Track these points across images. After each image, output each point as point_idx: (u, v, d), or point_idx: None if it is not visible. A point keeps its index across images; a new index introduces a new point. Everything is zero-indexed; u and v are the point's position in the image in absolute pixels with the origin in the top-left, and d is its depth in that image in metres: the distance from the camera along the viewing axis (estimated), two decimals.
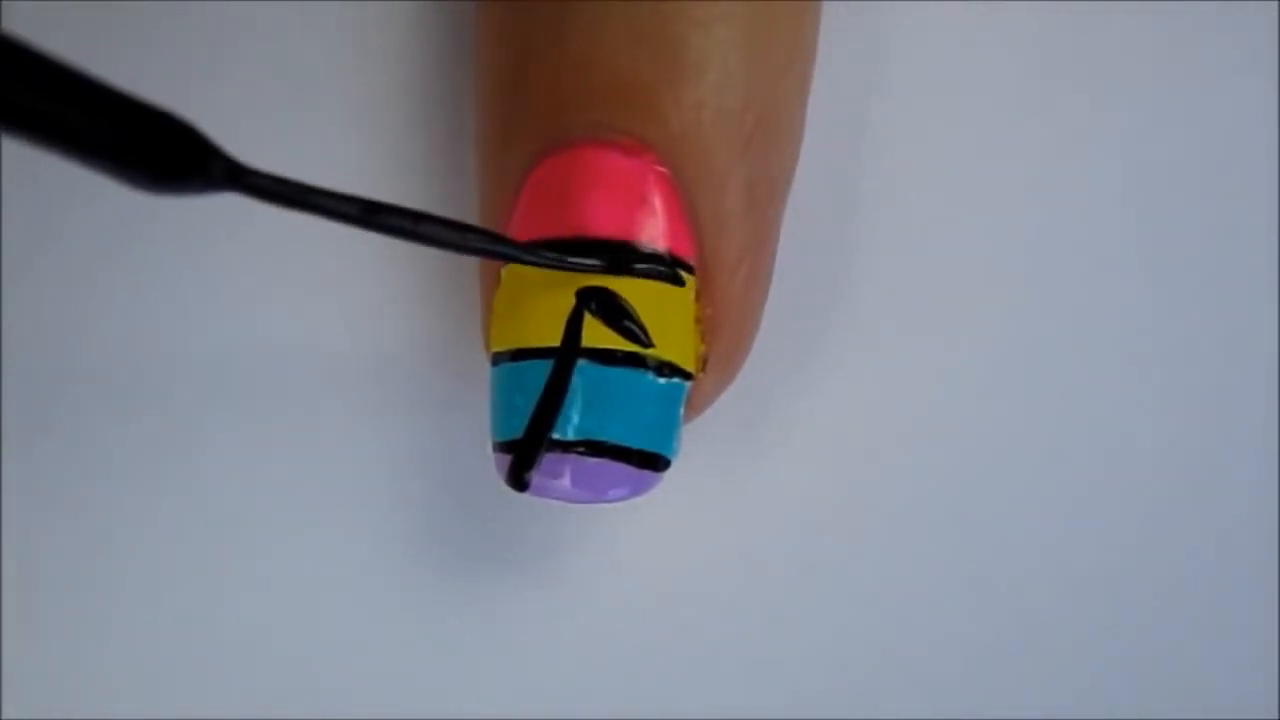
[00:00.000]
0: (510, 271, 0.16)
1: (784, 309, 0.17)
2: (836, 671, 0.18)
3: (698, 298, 0.15)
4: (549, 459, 0.15)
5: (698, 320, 0.16)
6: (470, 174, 0.17)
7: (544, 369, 0.15)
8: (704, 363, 0.16)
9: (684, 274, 0.15)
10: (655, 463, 0.15)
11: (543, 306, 0.15)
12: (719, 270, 0.16)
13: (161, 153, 0.11)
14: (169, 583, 0.18)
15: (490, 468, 0.16)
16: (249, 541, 0.18)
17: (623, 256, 0.15)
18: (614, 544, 0.18)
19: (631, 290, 0.15)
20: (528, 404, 0.15)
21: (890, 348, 0.19)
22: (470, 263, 0.17)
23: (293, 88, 0.19)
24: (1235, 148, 0.19)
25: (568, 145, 0.15)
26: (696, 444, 0.17)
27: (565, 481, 0.15)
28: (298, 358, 0.18)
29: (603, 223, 0.15)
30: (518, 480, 0.15)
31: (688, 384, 0.16)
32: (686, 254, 0.15)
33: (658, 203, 0.15)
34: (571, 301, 0.15)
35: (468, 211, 0.18)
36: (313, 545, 0.18)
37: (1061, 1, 0.19)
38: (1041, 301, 0.19)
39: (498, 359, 0.16)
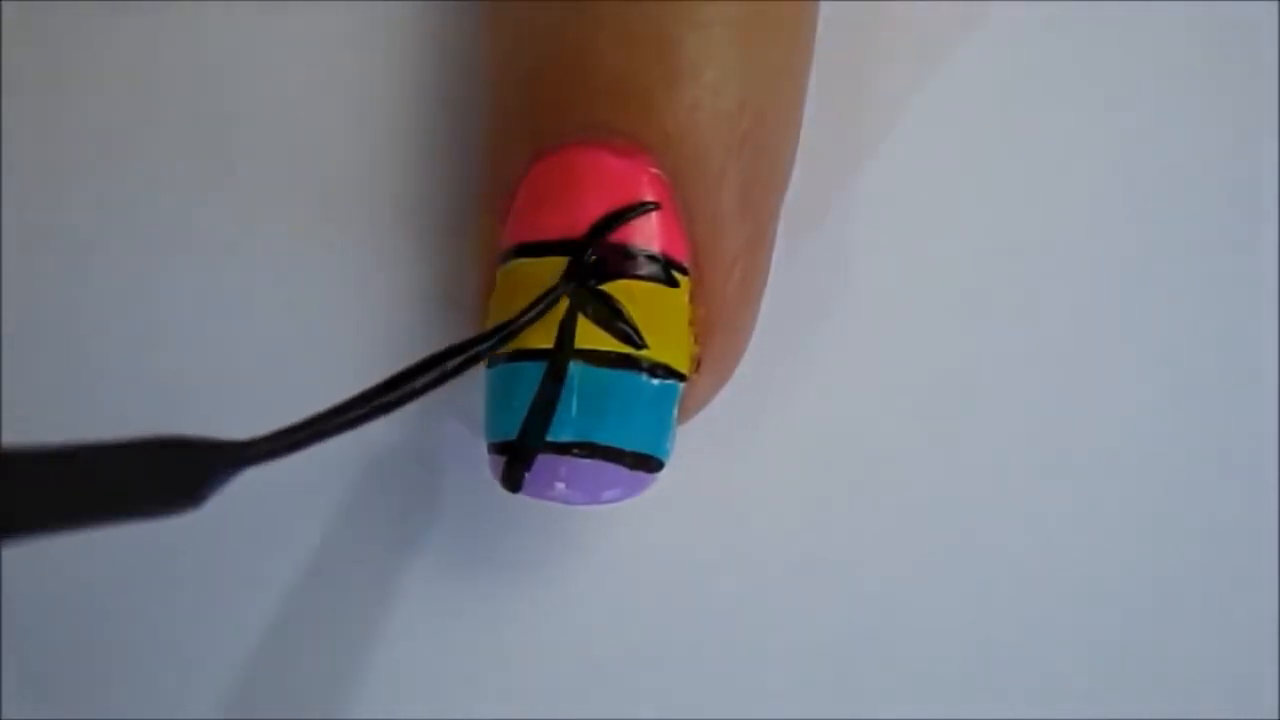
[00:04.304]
0: (505, 274, 0.16)
1: (782, 306, 0.17)
2: (836, 669, 0.18)
3: (692, 299, 0.15)
4: (543, 460, 0.15)
5: (692, 322, 0.16)
6: (469, 176, 0.18)
7: (538, 371, 0.15)
8: (698, 364, 0.16)
9: (678, 275, 0.15)
10: (649, 464, 0.15)
11: None
12: (713, 272, 0.16)
13: (169, 487, 0.12)
14: (167, 582, 0.18)
15: (487, 469, 0.16)
16: (246, 540, 0.18)
17: (617, 258, 0.15)
18: (613, 543, 0.18)
19: (625, 292, 0.15)
20: (522, 405, 0.15)
21: (890, 346, 0.19)
22: (468, 264, 0.17)
23: (294, 91, 0.19)
24: (1236, 147, 0.19)
25: (563, 145, 0.15)
26: (694, 442, 0.17)
27: (560, 483, 0.15)
28: (296, 358, 0.18)
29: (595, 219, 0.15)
30: (512, 481, 0.15)
31: (681, 385, 0.16)
32: (681, 255, 0.15)
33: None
34: (565, 304, 0.15)
35: (465, 213, 0.18)
36: (309, 545, 0.18)
37: (1060, 1, 0.19)
38: (1040, 301, 0.19)
39: (493, 360, 0.16)
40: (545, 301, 0.15)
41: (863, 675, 0.18)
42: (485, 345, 0.15)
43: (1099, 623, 0.18)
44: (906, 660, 0.18)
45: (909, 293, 0.19)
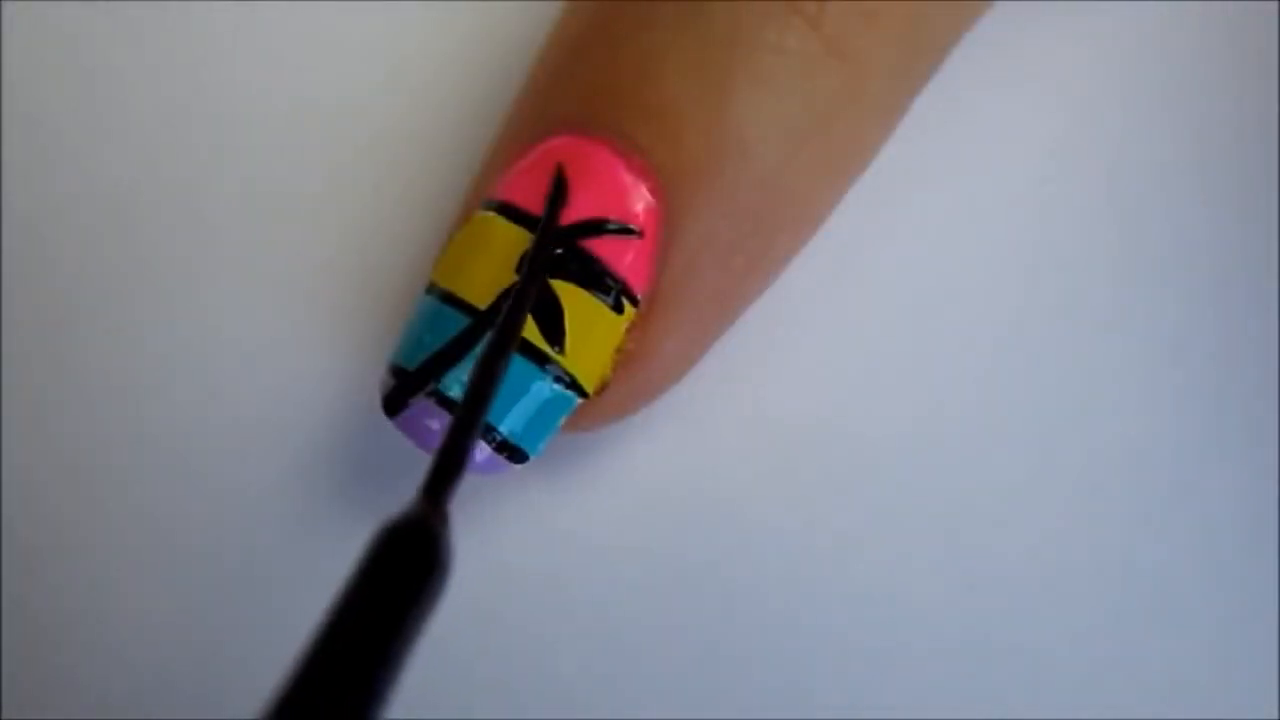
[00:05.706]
0: (480, 221, 0.16)
1: (775, 299, 0.17)
2: (833, 668, 0.18)
3: (628, 329, 0.15)
4: (423, 403, 0.15)
5: (618, 349, 0.16)
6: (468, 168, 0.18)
7: (461, 323, 0.15)
8: (603, 387, 0.16)
9: (628, 304, 0.15)
10: (515, 454, 0.15)
11: (490, 270, 0.15)
12: (660, 325, 0.16)
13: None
14: (166, 581, 0.18)
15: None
16: (243, 538, 0.18)
17: (579, 263, 0.15)
18: (603, 540, 0.18)
19: (571, 295, 0.15)
20: (433, 343, 0.15)
21: (890, 343, 0.19)
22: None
23: (292, 90, 0.19)
24: (1235, 146, 0.19)
25: (595, 137, 0.15)
26: (690, 433, 0.17)
27: (433, 421, 0.15)
28: (295, 357, 0.19)
29: (579, 217, 0.15)
30: (393, 406, 0.15)
31: (578, 401, 0.15)
32: (639, 289, 0.15)
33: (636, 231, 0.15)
34: (512, 278, 0.15)
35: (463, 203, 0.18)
36: (308, 544, 0.18)
37: (1057, 1, 0.19)
38: (1036, 299, 0.19)
39: (431, 288, 0.16)
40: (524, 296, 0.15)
41: (859, 671, 0.18)
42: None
43: (1097, 621, 0.18)
44: (905, 656, 0.18)
45: (909, 287, 0.19)
